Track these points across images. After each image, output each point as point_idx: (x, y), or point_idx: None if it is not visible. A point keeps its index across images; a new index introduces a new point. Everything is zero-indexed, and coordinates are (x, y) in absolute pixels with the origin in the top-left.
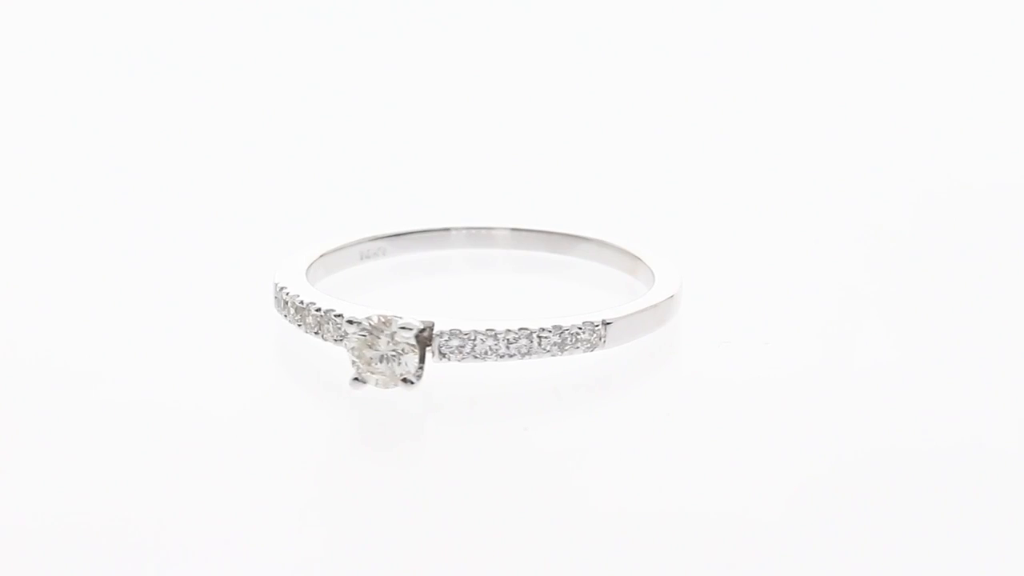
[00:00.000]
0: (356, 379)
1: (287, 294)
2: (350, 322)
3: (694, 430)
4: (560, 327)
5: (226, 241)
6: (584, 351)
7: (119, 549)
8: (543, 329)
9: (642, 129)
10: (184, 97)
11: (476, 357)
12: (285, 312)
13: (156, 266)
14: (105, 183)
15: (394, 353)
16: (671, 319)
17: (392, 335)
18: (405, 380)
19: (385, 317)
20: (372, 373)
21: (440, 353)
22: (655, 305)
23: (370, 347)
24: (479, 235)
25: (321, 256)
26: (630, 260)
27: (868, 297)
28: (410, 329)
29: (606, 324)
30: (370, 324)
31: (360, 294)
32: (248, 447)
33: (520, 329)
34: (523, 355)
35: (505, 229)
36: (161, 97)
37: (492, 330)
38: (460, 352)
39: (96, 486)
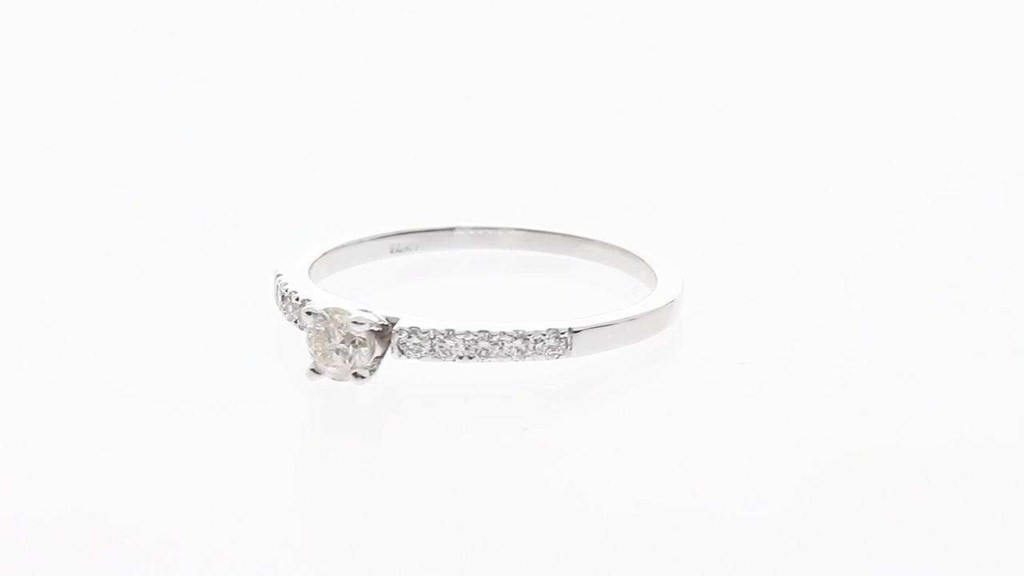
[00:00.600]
0: (312, 370)
1: (282, 283)
2: (308, 313)
3: (684, 433)
4: (522, 332)
5: (228, 240)
6: (548, 358)
7: (113, 545)
8: (503, 333)
9: (648, 131)
10: (188, 96)
11: (436, 357)
12: (284, 308)
13: (160, 264)
14: (104, 183)
15: (347, 347)
16: (657, 330)
17: (344, 328)
18: (356, 374)
19: (339, 310)
20: (327, 365)
21: (399, 350)
22: (632, 318)
23: (328, 339)
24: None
25: (324, 254)
26: (633, 262)
27: (868, 297)
28: (361, 324)
29: (573, 332)
30: (325, 315)
31: (358, 292)
32: (242, 443)
33: (480, 331)
34: (483, 358)
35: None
36: (168, 96)
37: (451, 330)
38: (419, 351)
39: (89, 480)
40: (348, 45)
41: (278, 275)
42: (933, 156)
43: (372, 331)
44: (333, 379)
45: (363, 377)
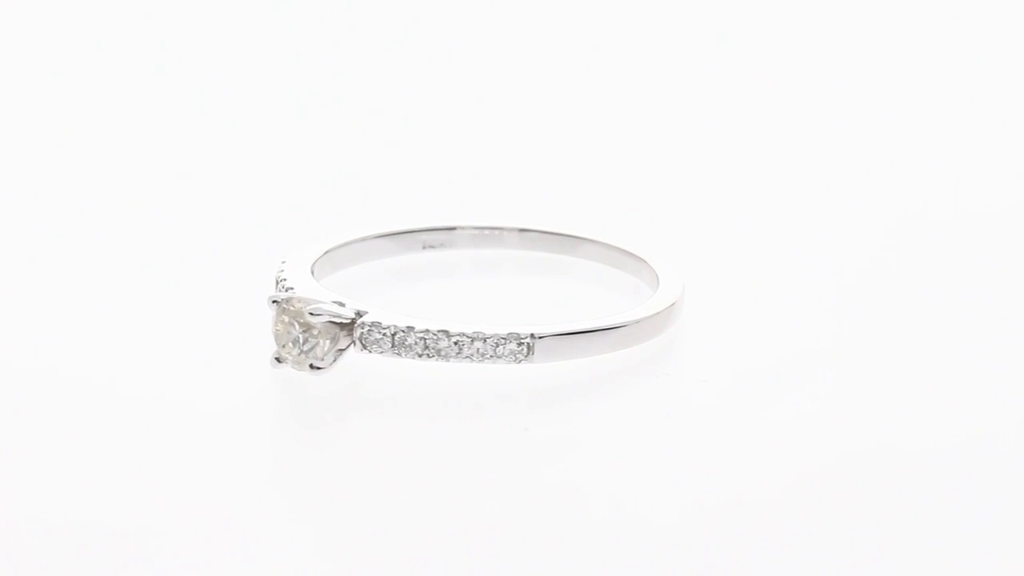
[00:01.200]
0: (276, 358)
1: (281, 277)
2: (274, 301)
3: (684, 434)
4: (482, 334)
5: (230, 238)
6: (509, 363)
7: (107, 543)
8: (462, 334)
9: (651, 132)
10: (191, 95)
11: (396, 353)
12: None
13: (161, 263)
14: (107, 181)
15: (303, 336)
16: (633, 343)
17: (302, 318)
18: (312, 365)
19: (299, 299)
20: (288, 354)
21: (362, 344)
22: (598, 329)
23: (290, 328)
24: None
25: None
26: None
27: (867, 299)
28: (318, 315)
29: (536, 338)
30: (285, 305)
31: (357, 290)
32: (240, 441)
33: (439, 331)
34: (443, 357)
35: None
36: (171, 94)
37: (411, 328)
38: (380, 346)
39: (83, 479)
40: (351, 44)
41: (280, 270)
42: (934, 159)
43: (334, 323)
44: (294, 368)
45: (320, 368)
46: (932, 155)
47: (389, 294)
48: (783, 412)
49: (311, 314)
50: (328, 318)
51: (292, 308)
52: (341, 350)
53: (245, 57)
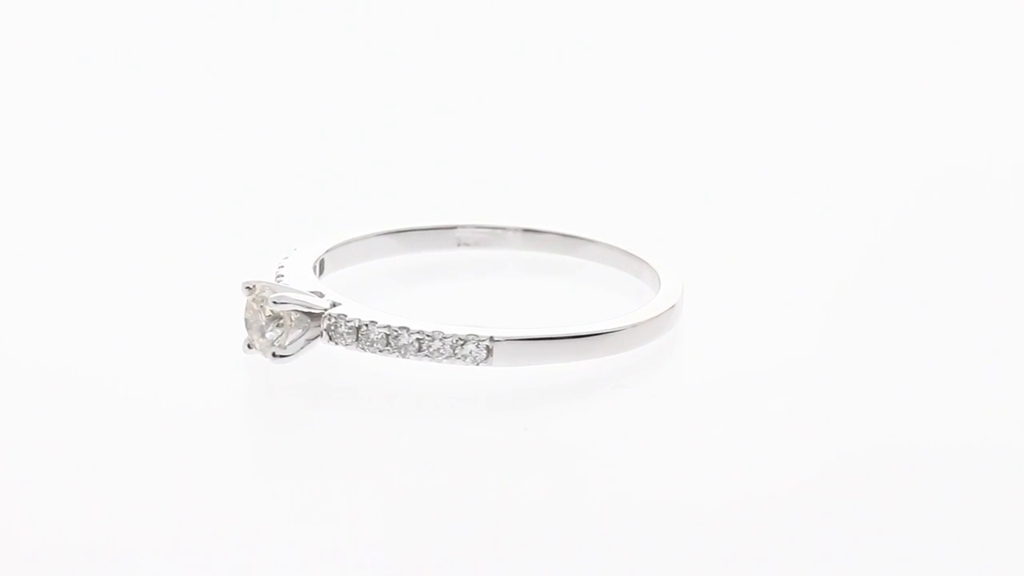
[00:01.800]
0: (248, 344)
1: (280, 273)
2: (247, 288)
3: (683, 433)
4: (441, 334)
5: (231, 236)
6: (469, 364)
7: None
8: (422, 332)
9: (654, 133)
10: (193, 94)
11: (361, 347)
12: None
13: (167, 262)
14: (111, 179)
15: (268, 324)
16: (605, 352)
17: (268, 305)
18: (274, 354)
19: (268, 286)
20: (256, 341)
21: (328, 335)
22: (560, 337)
23: (259, 314)
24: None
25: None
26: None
27: (865, 300)
28: (282, 303)
29: (494, 341)
30: (256, 292)
31: (362, 286)
32: (236, 439)
33: (400, 327)
34: (404, 354)
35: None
36: (172, 95)
37: (374, 322)
38: (345, 339)
39: (75, 480)
40: (354, 43)
41: (279, 266)
42: (935, 162)
43: (301, 312)
44: (262, 354)
45: (284, 356)
46: (930, 159)
47: (390, 291)
48: (781, 413)
49: (274, 303)
50: (293, 307)
51: (262, 296)
52: (309, 340)
53: (252, 57)
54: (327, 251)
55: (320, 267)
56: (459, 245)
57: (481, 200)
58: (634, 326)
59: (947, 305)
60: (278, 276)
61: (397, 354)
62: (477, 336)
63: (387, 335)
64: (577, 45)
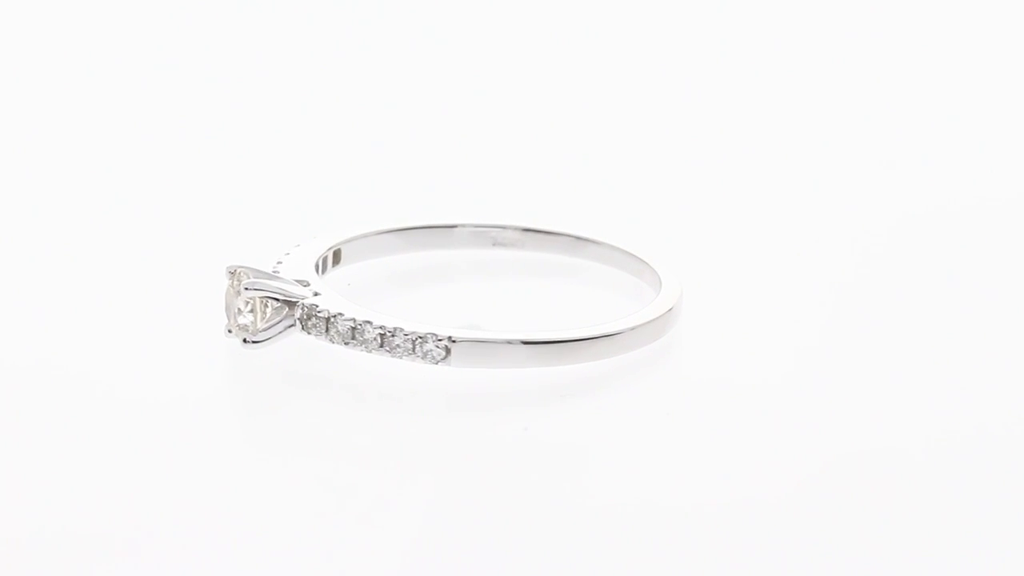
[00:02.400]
0: (228, 330)
1: (279, 264)
2: (230, 273)
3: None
4: (402, 330)
5: (232, 233)
6: (428, 363)
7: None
8: (384, 327)
9: (656, 133)
10: (194, 92)
11: (329, 339)
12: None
13: (169, 258)
14: (113, 177)
15: (240, 309)
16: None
17: (240, 293)
18: (244, 339)
19: (246, 271)
20: (232, 326)
21: (302, 325)
22: (518, 341)
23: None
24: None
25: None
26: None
27: (865, 303)
28: (252, 289)
29: (452, 342)
30: (233, 276)
31: (368, 283)
32: (234, 437)
33: (364, 321)
34: (367, 348)
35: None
36: (172, 93)
37: (340, 314)
38: (317, 329)
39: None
40: (355, 42)
41: (286, 253)
42: (931, 165)
43: (279, 301)
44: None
45: (254, 342)
46: (929, 161)
47: (392, 289)
48: (779, 415)
49: (245, 288)
50: (266, 294)
51: (237, 280)
52: (282, 329)
53: (255, 57)
54: (344, 241)
55: (336, 258)
56: (494, 245)
57: (481, 200)
58: (618, 333)
59: (946, 308)
60: (277, 263)
61: (363, 348)
62: (436, 335)
63: (352, 328)
64: (578, 46)
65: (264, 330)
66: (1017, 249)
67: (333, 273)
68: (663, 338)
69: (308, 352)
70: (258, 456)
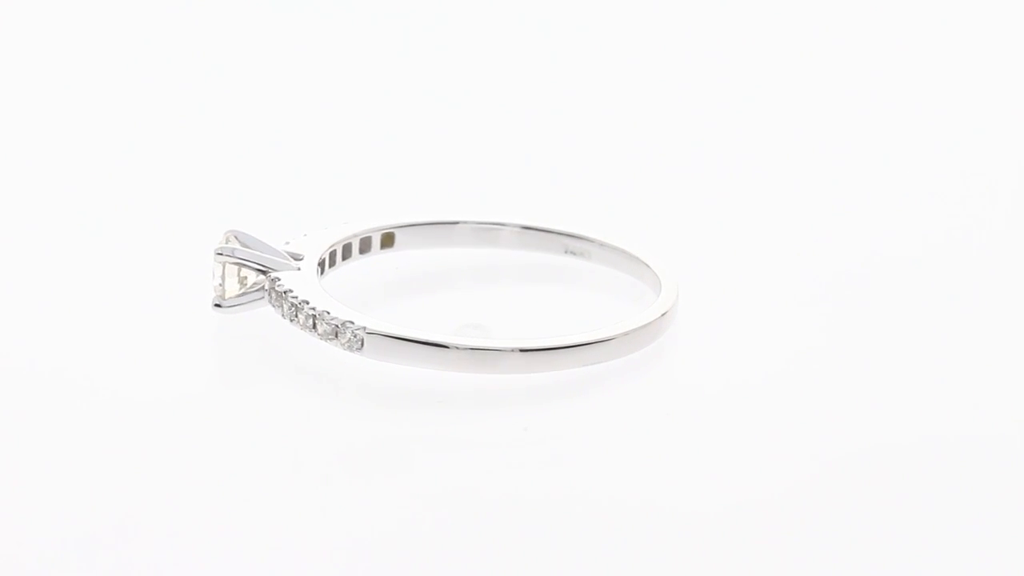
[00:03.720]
0: (216, 304)
1: (288, 243)
2: (219, 253)
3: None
4: (327, 314)
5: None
6: (346, 351)
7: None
8: (314, 308)
9: (657, 134)
10: (195, 90)
11: (282, 314)
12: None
13: (174, 254)
14: (115, 175)
15: (219, 276)
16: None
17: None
18: (214, 303)
19: (233, 235)
20: (214, 288)
21: (269, 298)
22: (426, 342)
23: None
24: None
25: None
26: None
27: (864, 305)
28: (224, 256)
29: (367, 332)
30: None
31: (358, 284)
32: (232, 436)
33: (302, 301)
34: (304, 327)
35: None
36: (173, 90)
37: (289, 291)
38: (275, 304)
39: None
40: (367, 41)
41: (304, 234)
42: (930, 167)
43: (254, 269)
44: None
45: (218, 307)
46: (927, 163)
47: (394, 285)
48: (778, 416)
49: (218, 254)
50: (235, 261)
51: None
52: (251, 298)
53: (255, 56)
54: (395, 226)
55: (389, 240)
56: (566, 253)
57: (481, 200)
58: (609, 339)
59: (943, 311)
60: (288, 241)
61: (300, 327)
62: (353, 324)
63: (295, 306)
64: (579, 46)
65: (235, 296)
66: (1015, 249)
67: (381, 255)
68: (658, 340)
69: (310, 352)
70: (255, 455)
